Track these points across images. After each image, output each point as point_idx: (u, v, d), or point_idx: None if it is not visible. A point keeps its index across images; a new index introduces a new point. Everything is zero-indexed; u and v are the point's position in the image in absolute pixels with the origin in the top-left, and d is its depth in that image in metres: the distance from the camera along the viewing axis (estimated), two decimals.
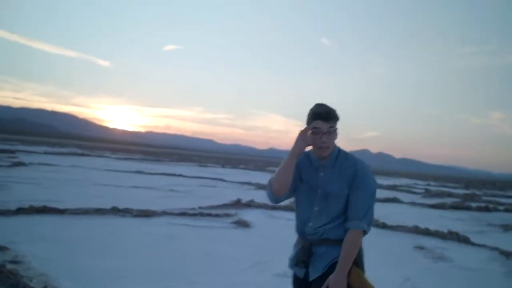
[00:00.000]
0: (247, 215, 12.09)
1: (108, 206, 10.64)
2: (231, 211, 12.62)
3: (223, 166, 54.77)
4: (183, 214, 11.24)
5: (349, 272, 2.62)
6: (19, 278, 4.96)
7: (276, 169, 2.78)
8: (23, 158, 29.94)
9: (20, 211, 9.18)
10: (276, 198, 2.82)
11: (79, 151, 55.76)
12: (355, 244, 2.66)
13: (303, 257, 2.77)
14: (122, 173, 25.36)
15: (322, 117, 2.68)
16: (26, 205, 9.62)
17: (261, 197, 16.43)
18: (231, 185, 23.68)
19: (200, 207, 12.71)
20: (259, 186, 23.05)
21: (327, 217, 2.74)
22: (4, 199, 10.77)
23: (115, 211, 10.45)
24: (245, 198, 15.07)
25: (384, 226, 12.08)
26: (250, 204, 14.33)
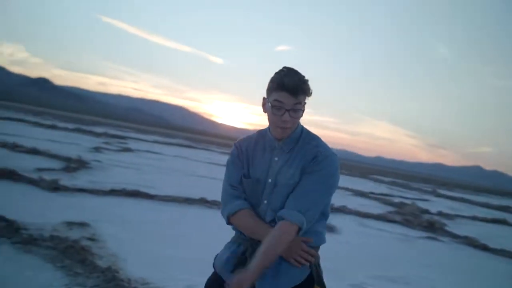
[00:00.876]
0: (336, 220, 11.67)
1: (197, 196, 10.74)
2: None
3: None
4: None
5: None
6: (88, 255, 5.03)
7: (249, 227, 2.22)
8: (132, 144, 31.51)
9: (112, 192, 9.54)
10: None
11: (186, 142, 57.77)
12: (283, 239, 2.07)
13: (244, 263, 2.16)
14: (221, 167, 25.76)
15: (289, 89, 2.07)
16: (119, 187, 9.99)
17: (355, 203, 15.92)
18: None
19: None
20: (357, 193, 22.37)
21: (274, 213, 2.18)
22: (101, 180, 11.29)
23: (202, 201, 10.51)
24: (337, 203, 14.62)
25: (485, 248, 11.10)
26: (342, 210, 13.85)
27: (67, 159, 14.09)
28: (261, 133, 2.34)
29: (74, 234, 5.85)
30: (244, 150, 2.32)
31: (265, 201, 2.22)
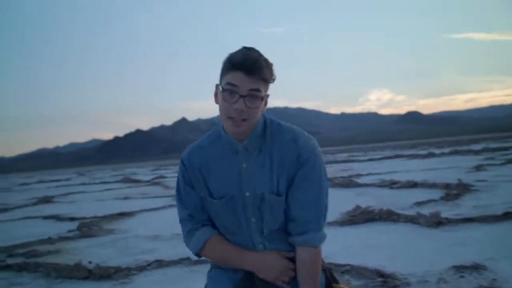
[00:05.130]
0: None
1: None
2: None
3: None
4: None
5: None
6: None
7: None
8: None
9: (506, 216, 7.73)
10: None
11: None
12: (318, 265, 1.81)
13: None
14: None
15: (244, 68, 1.58)
16: None
17: None
18: None
19: None
20: None
21: (271, 233, 1.80)
22: (491, 203, 9.51)
23: None
24: None
25: None
26: None
27: (446, 186, 12.79)
28: (212, 136, 1.87)
29: (467, 283, 4.51)
30: (197, 165, 1.83)
31: (253, 219, 1.80)
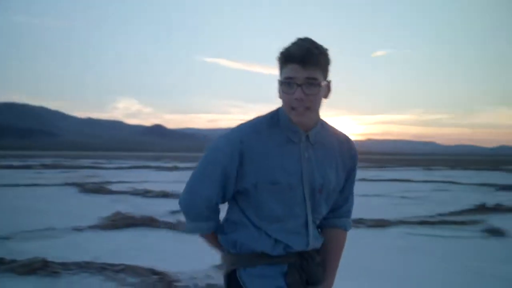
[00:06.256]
0: (497, 221, 10.26)
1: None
2: (476, 217, 10.87)
3: (451, 168, 50.88)
4: (422, 222, 9.99)
5: None
6: None
7: None
8: None
9: None
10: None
11: None
12: (343, 245, 1.97)
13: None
14: None
15: (297, 59, 1.60)
16: None
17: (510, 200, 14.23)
18: (467, 188, 21.21)
19: (439, 214, 11.32)
20: (503, 187, 20.29)
21: (317, 222, 1.84)
22: None
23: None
24: (488, 202, 13.08)
25: None
26: (498, 208, 12.33)
27: None
28: (269, 120, 1.77)
29: None
30: (257, 146, 1.71)
31: (309, 211, 1.77)
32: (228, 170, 1.71)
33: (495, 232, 8.79)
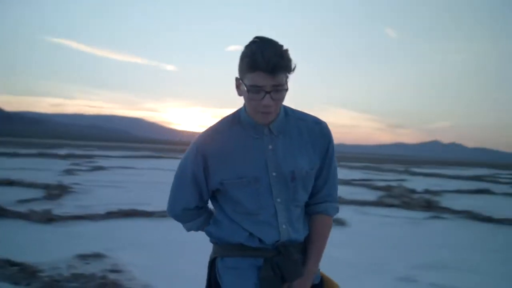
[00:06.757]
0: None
1: None
2: None
3: None
4: None
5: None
6: None
7: None
8: (102, 162, 30.37)
9: (109, 215, 8.92)
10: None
11: (155, 154, 56.34)
12: (328, 231, 1.95)
13: (273, 277, 1.80)
14: None
15: (264, 68, 1.64)
16: (114, 208, 9.35)
17: (344, 192, 15.60)
18: None
19: None
20: (340, 182, 22.03)
21: (295, 211, 1.85)
22: (91, 203, 10.61)
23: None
24: None
25: (490, 220, 10.98)
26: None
27: (46, 186, 13.25)
28: (229, 120, 1.86)
29: (94, 268, 5.30)
30: (216, 148, 1.81)
31: (278, 199, 1.81)
32: (196, 174, 1.83)
33: (337, 222, 9.69)
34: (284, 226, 1.82)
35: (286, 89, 1.71)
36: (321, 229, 1.92)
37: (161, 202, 10.61)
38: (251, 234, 1.83)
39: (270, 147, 1.80)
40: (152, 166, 30.00)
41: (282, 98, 1.73)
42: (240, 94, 1.78)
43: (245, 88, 1.70)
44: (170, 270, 5.48)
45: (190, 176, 1.85)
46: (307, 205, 1.94)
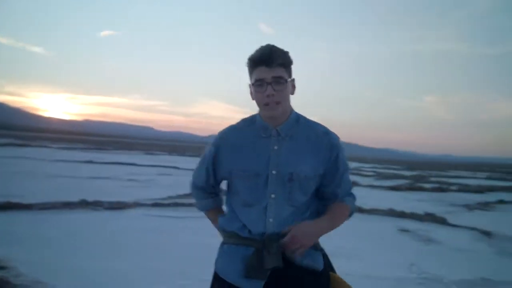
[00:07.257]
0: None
1: (74, 199, 9.88)
2: None
3: (169, 154, 53.63)
4: (157, 205, 10.71)
5: (331, 279, 2.07)
6: None
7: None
8: None
9: None
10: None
11: (18, 141, 52.67)
12: (343, 219, 2.07)
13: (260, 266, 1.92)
14: (72, 163, 24.05)
15: (263, 61, 1.88)
16: None
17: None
18: (187, 173, 22.82)
19: (170, 197, 12.21)
20: None
21: (288, 209, 1.97)
22: None
23: (84, 204, 9.73)
24: None
25: (360, 210, 11.94)
26: None
27: None
28: (247, 120, 2.10)
29: None
30: (231, 142, 2.05)
31: (272, 196, 1.95)
32: (208, 160, 2.12)
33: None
34: (271, 220, 1.96)
35: (286, 82, 1.94)
36: (337, 208, 2.06)
37: (35, 194, 10.32)
38: (244, 224, 2.01)
39: (275, 147, 1.99)
40: (18, 155, 27.96)
41: (284, 90, 1.94)
42: (253, 99, 2.01)
43: (253, 87, 1.96)
44: (62, 264, 5.32)
45: (207, 160, 2.13)
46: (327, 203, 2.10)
